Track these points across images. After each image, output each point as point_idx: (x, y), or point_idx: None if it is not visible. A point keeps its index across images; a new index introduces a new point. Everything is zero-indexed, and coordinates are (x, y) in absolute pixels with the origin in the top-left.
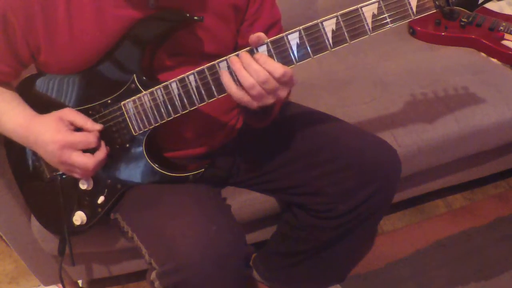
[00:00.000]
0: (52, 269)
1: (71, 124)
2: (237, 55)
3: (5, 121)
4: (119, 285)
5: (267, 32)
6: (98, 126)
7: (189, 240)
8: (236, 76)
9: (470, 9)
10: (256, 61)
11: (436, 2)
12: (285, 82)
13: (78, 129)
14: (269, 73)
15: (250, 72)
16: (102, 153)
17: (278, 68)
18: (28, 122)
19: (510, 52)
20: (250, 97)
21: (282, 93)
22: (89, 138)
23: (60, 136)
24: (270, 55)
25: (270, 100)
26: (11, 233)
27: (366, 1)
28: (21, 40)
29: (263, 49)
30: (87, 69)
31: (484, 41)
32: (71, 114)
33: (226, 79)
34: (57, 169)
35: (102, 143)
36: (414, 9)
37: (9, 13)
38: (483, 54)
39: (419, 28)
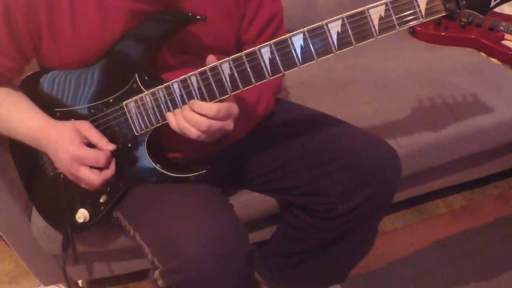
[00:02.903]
0: (52, 269)
1: (86, 138)
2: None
3: (16, 125)
4: (120, 285)
5: (266, 27)
6: (111, 147)
7: (192, 239)
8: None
9: (482, 13)
10: (191, 107)
11: (446, 5)
12: (224, 117)
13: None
14: (206, 115)
15: (192, 124)
16: (110, 172)
17: (211, 108)
18: (42, 126)
19: (510, 52)
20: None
21: (228, 127)
22: (99, 157)
23: (72, 148)
24: (273, 57)
25: (218, 136)
26: (11, 233)
27: (368, 2)
28: (24, 31)
29: (266, 50)
30: (90, 67)
31: (484, 41)
32: (87, 129)
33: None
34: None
35: (112, 163)
36: (423, 12)
37: (12, 3)
38: (483, 54)
39: (419, 28)
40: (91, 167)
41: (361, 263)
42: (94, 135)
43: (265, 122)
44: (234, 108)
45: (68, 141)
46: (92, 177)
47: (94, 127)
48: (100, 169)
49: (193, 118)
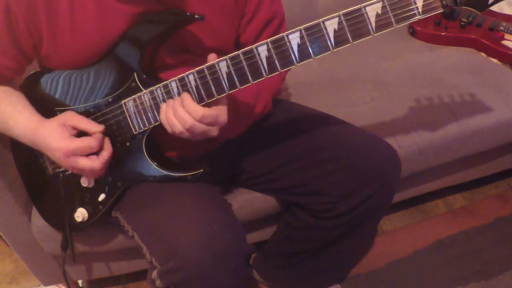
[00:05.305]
0: (52, 269)
1: (74, 128)
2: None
3: (12, 125)
4: (119, 285)
5: (265, 27)
6: (100, 127)
7: (190, 239)
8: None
9: (479, 9)
10: (181, 101)
11: (443, 2)
12: (209, 123)
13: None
14: (190, 114)
15: (178, 118)
16: (107, 152)
17: (197, 111)
18: (35, 127)
19: (510, 52)
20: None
21: (212, 133)
22: (91, 143)
23: (63, 144)
24: (270, 55)
25: (200, 138)
26: (11, 233)
27: (369, 1)
28: (24, 31)
29: (263, 48)
30: (89, 66)
31: (484, 41)
32: (73, 119)
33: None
34: (60, 166)
35: (107, 142)
36: (420, 9)
37: (13, 3)
38: (483, 54)
39: (419, 28)
40: (88, 154)
41: (361, 263)
42: (80, 122)
43: (265, 121)
44: (222, 116)
45: (58, 138)
46: (92, 164)
47: (78, 114)
48: (97, 153)
49: (180, 113)
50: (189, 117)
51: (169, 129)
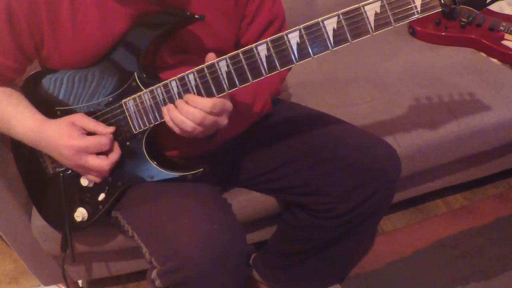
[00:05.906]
0: (52, 269)
1: (83, 129)
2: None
3: (14, 125)
4: (119, 285)
5: (266, 29)
6: (110, 129)
7: (190, 239)
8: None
9: (477, 8)
10: (186, 101)
11: (442, 1)
12: (219, 112)
13: (89, 132)
14: (201, 109)
15: (187, 116)
16: (116, 154)
17: (206, 103)
18: (38, 127)
19: (510, 52)
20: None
21: (222, 122)
22: (102, 141)
23: (74, 141)
24: (270, 54)
25: (212, 130)
26: (11, 233)
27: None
28: (26, 31)
29: (262, 48)
30: (89, 66)
31: (484, 41)
32: (82, 120)
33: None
34: (60, 165)
35: (116, 144)
36: (419, 8)
37: (14, 3)
38: (483, 54)
39: (419, 28)
40: (97, 154)
41: (361, 263)
42: (90, 123)
43: (265, 121)
44: (228, 104)
45: (68, 137)
46: (101, 163)
47: (88, 117)
48: (105, 155)
49: (188, 111)
50: (198, 111)
51: (177, 130)
